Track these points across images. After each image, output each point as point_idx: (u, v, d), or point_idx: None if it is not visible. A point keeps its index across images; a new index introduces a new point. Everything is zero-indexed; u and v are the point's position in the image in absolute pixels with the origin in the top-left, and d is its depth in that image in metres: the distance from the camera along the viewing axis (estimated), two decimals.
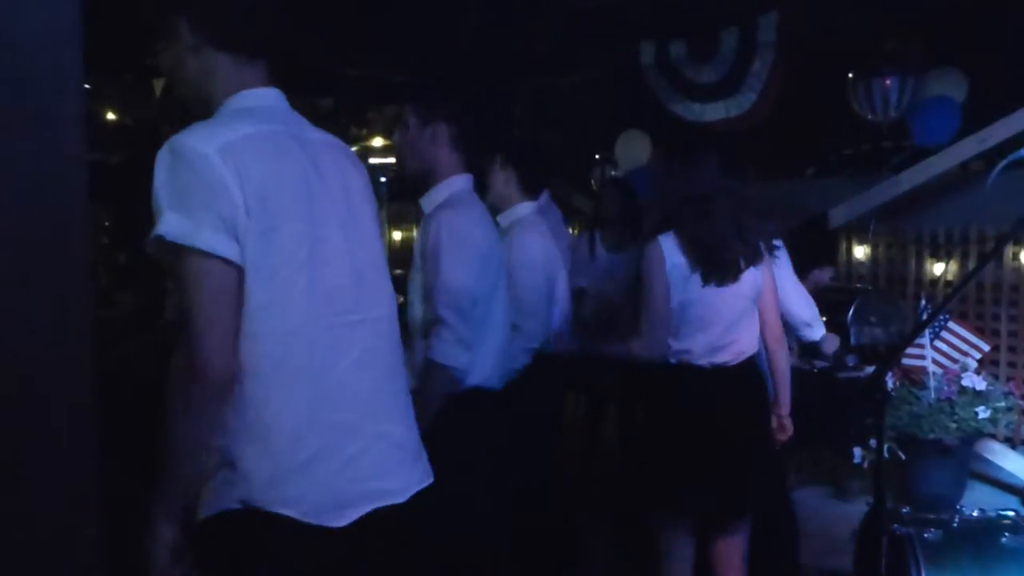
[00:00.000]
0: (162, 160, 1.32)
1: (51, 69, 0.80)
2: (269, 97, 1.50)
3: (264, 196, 1.35)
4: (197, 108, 1.48)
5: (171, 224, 1.28)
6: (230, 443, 1.36)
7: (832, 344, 3.19)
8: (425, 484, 1.59)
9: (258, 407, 1.37)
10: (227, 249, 1.30)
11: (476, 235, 2.21)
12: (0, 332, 0.89)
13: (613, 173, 5.92)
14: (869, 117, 5.13)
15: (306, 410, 1.41)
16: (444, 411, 2.10)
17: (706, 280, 2.41)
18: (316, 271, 1.43)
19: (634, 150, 5.84)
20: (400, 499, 1.52)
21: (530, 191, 2.96)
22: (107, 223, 8.70)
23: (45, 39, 0.80)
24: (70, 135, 0.82)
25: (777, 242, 2.64)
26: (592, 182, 6.49)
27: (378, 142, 10.34)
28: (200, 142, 1.32)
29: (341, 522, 1.42)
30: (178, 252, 1.29)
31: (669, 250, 2.43)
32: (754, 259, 2.46)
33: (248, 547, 1.40)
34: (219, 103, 1.46)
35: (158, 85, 5.60)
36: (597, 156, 6.27)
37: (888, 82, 4.87)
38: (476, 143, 2.34)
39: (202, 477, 1.38)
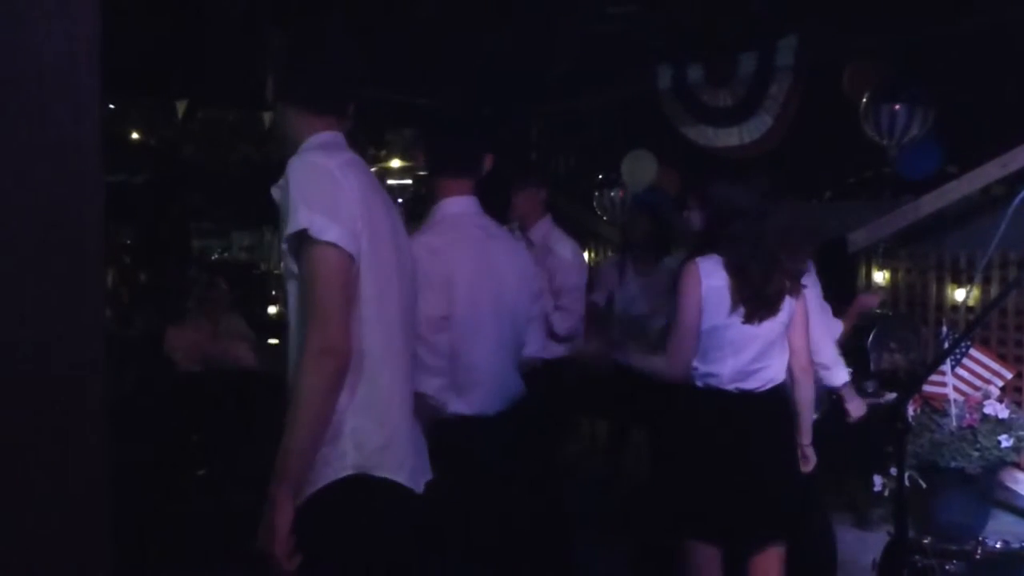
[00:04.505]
0: (298, 170, 1.58)
1: (70, 97, 0.81)
2: (337, 137, 1.75)
3: (366, 206, 1.62)
4: (288, 148, 1.73)
5: (311, 220, 1.52)
6: (344, 417, 1.55)
7: (858, 410, 3.00)
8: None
9: (371, 383, 1.59)
10: (351, 244, 1.55)
11: (434, 260, 2.08)
12: (16, 358, 0.89)
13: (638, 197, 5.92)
14: (882, 142, 5.12)
15: (400, 389, 1.67)
16: (430, 439, 1.95)
17: (749, 318, 2.38)
18: (398, 270, 1.71)
19: (640, 170, 5.85)
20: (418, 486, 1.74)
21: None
22: (129, 242, 8.79)
23: (63, 67, 0.81)
24: (88, 165, 0.83)
25: (806, 279, 2.57)
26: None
27: (396, 163, 10.42)
28: (325, 160, 1.61)
29: (420, 487, 1.70)
30: (313, 244, 1.53)
31: (707, 273, 2.39)
32: (794, 290, 2.44)
33: (356, 513, 1.58)
34: (298, 143, 1.71)
35: (181, 107, 5.66)
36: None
37: (897, 107, 4.86)
38: (456, 166, 2.27)
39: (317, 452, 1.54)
